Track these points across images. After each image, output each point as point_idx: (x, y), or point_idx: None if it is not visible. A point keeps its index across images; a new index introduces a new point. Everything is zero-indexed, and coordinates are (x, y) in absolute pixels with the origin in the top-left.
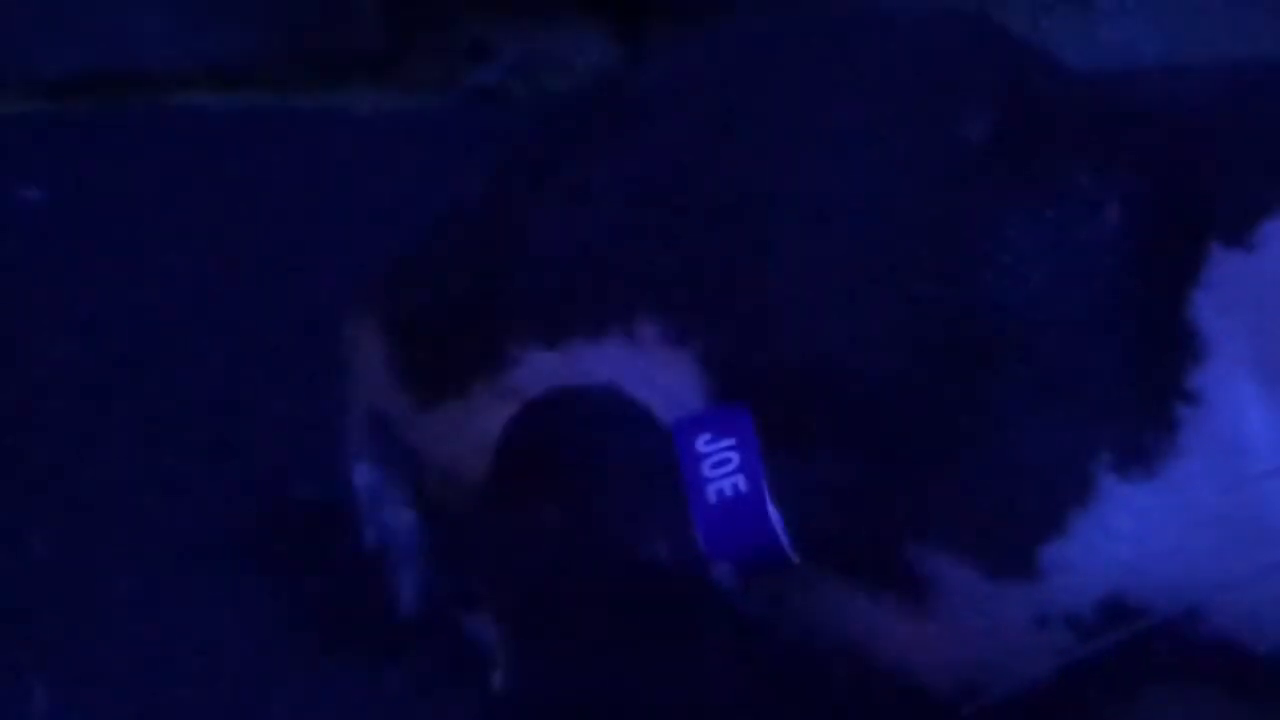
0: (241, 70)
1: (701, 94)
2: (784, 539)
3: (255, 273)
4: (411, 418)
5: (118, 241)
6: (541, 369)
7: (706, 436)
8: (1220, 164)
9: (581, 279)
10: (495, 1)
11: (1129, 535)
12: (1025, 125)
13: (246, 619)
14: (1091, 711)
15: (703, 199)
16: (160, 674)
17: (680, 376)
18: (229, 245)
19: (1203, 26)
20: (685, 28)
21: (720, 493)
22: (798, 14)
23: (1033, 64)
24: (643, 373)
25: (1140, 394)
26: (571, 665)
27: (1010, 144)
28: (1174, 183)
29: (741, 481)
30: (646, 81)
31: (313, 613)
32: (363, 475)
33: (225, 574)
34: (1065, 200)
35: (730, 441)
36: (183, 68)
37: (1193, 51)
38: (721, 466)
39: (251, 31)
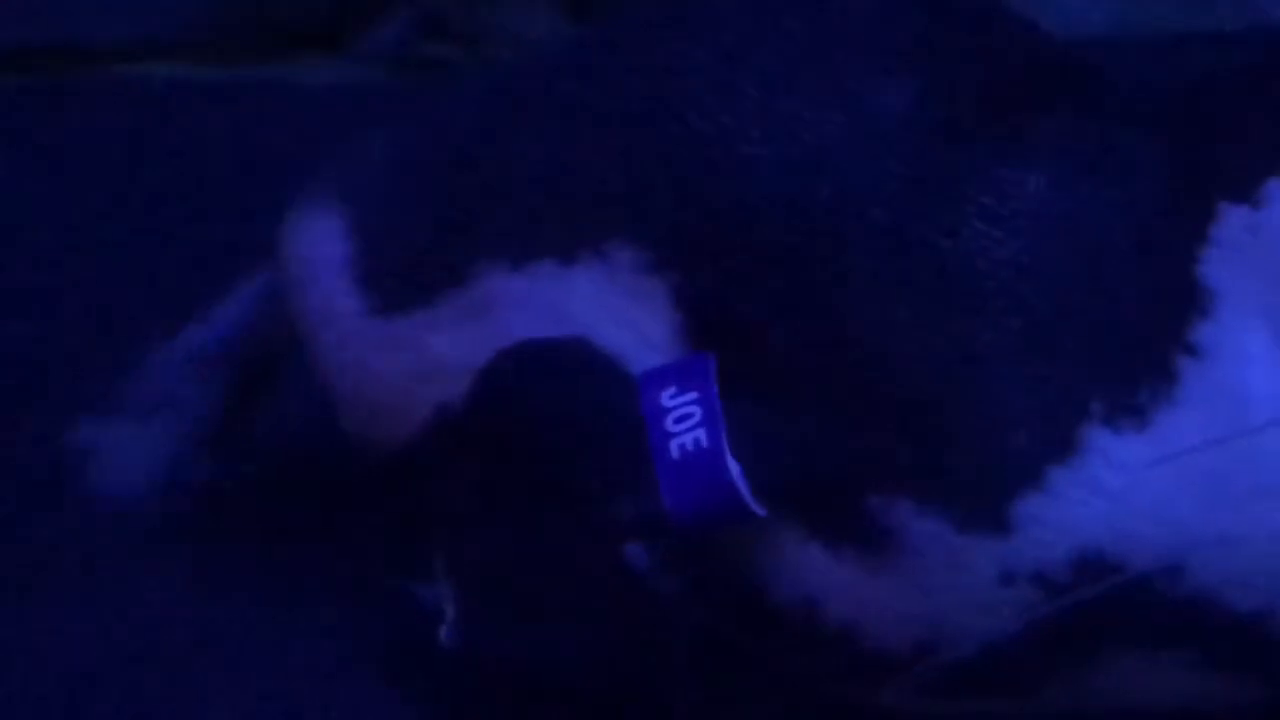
0: (192, 42)
1: (676, 39)
2: (745, 492)
3: (201, 244)
4: (364, 325)
5: (63, 212)
6: (508, 293)
7: (671, 390)
8: (1225, 126)
9: (557, 199)
10: None
11: (1111, 490)
12: (1007, 84)
13: (194, 598)
14: (1053, 676)
15: (689, 131)
16: (96, 652)
17: (651, 312)
18: (175, 217)
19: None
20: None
21: (683, 448)
22: None
23: (1018, 29)
24: (613, 307)
25: (1138, 347)
26: (518, 628)
27: (998, 100)
28: (1178, 144)
29: (703, 436)
30: (623, 27)
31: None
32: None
33: (161, 555)
34: (1065, 159)
35: (693, 395)
36: (132, 39)
37: (1141, 22)
38: (684, 421)
39: (202, 3)
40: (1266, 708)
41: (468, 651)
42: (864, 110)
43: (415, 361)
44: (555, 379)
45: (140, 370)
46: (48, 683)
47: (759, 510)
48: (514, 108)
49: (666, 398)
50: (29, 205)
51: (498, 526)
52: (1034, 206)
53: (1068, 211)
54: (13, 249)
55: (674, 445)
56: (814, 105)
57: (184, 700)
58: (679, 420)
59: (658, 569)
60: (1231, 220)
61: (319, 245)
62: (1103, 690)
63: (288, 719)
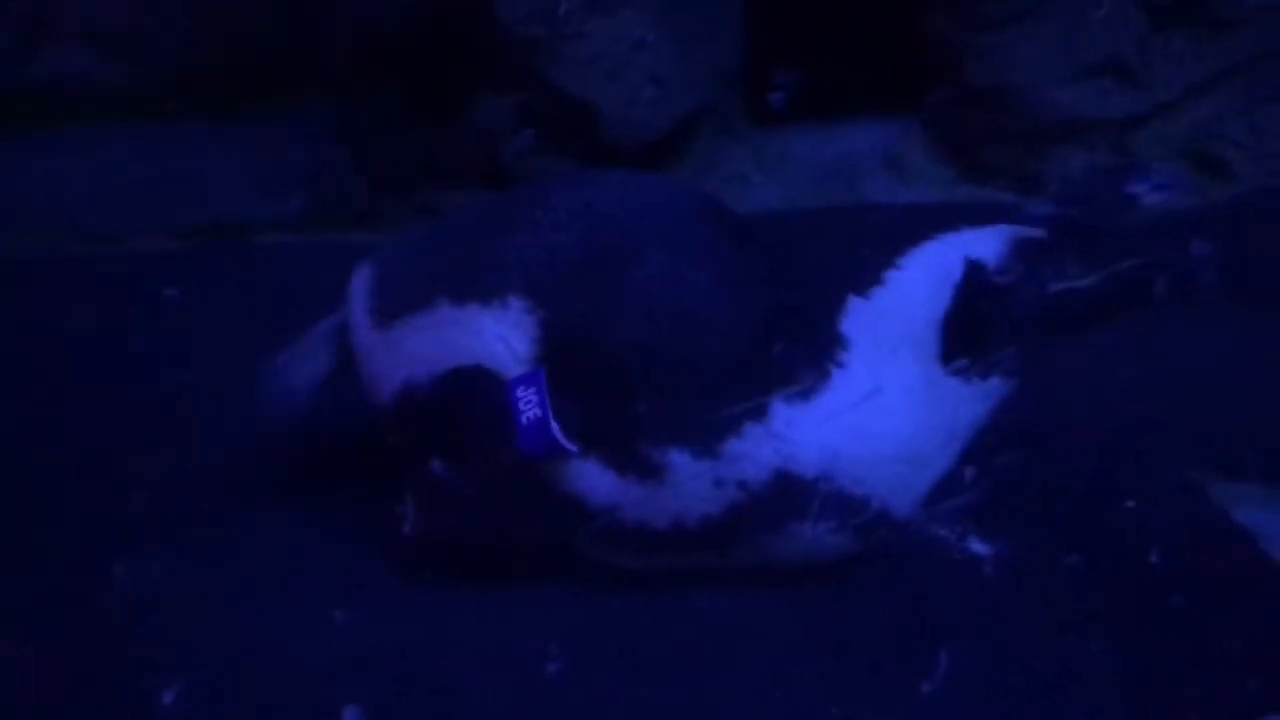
0: (294, 222)
1: (561, 201)
2: (562, 440)
3: (312, 308)
4: (374, 333)
5: (238, 307)
6: (449, 318)
7: (523, 387)
8: (851, 259)
9: (488, 269)
10: (431, 179)
11: (785, 434)
12: (726, 236)
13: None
14: (741, 539)
15: (565, 250)
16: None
17: (524, 334)
18: (292, 302)
19: (810, 190)
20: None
21: (528, 417)
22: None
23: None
24: (502, 333)
25: (810, 363)
26: (448, 519)
27: (730, 236)
28: (823, 270)
29: (537, 411)
30: (543, 192)
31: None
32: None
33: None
34: (773, 277)
35: (533, 390)
36: (261, 218)
37: (804, 201)
38: (529, 403)
39: (297, 198)
40: (861, 553)
41: (421, 536)
42: (639, 256)
43: (395, 353)
44: (469, 385)
45: (296, 342)
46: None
47: (571, 448)
48: (467, 224)
49: (520, 391)
50: (220, 305)
51: (434, 459)
52: (747, 293)
53: (770, 294)
54: (216, 318)
55: (523, 417)
56: (620, 256)
57: (267, 544)
58: (526, 404)
59: (525, 491)
60: (857, 304)
61: (359, 288)
62: (773, 548)
63: (313, 567)
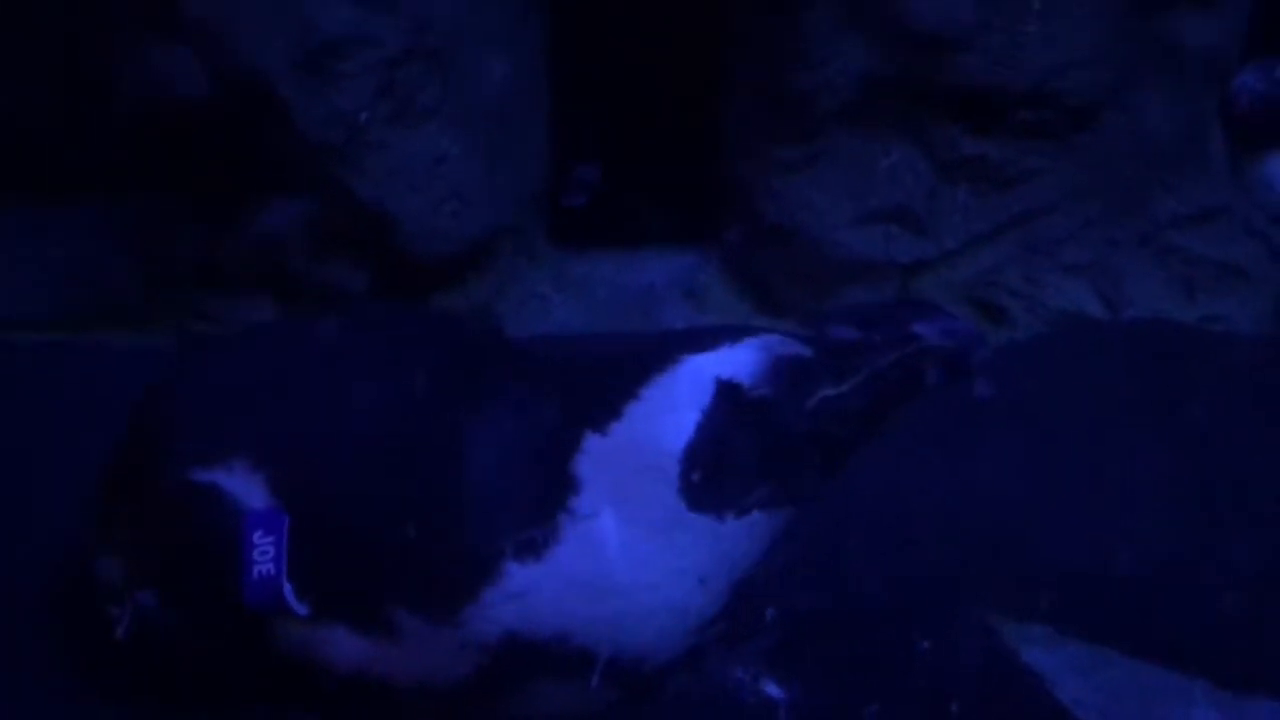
0: (49, 319)
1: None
2: (293, 602)
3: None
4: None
5: None
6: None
7: (260, 531)
8: (595, 388)
9: (204, 436)
10: (211, 284)
11: (521, 595)
12: (463, 366)
13: None
14: (498, 698)
15: (280, 410)
16: None
17: (254, 491)
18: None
19: (610, 314)
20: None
21: (260, 572)
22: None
23: (477, 333)
24: (237, 490)
25: (536, 510)
26: (167, 632)
27: (463, 378)
28: (564, 399)
29: (271, 569)
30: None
31: None
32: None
33: None
34: (499, 405)
35: (272, 539)
36: (15, 316)
37: (603, 325)
38: (264, 554)
39: (53, 297)
40: (619, 702)
41: (134, 639)
42: (371, 412)
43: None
44: (206, 506)
45: None
46: None
47: (301, 611)
48: (173, 389)
49: (257, 536)
50: None
51: (148, 587)
52: (475, 443)
53: (496, 437)
54: None
55: (255, 570)
56: (347, 410)
57: None
58: (261, 554)
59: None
60: (591, 443)
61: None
62: (529, 705)
63: None
